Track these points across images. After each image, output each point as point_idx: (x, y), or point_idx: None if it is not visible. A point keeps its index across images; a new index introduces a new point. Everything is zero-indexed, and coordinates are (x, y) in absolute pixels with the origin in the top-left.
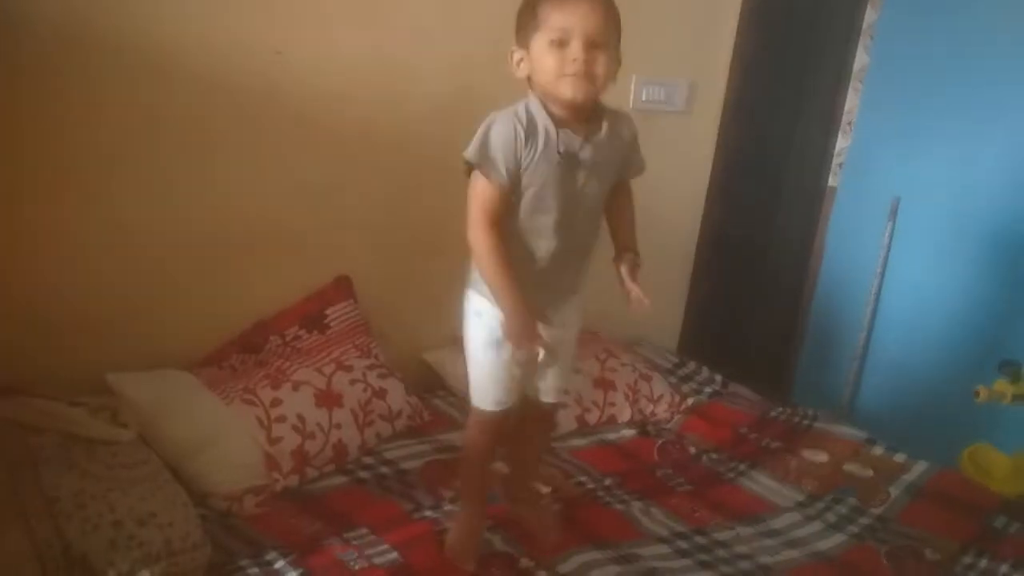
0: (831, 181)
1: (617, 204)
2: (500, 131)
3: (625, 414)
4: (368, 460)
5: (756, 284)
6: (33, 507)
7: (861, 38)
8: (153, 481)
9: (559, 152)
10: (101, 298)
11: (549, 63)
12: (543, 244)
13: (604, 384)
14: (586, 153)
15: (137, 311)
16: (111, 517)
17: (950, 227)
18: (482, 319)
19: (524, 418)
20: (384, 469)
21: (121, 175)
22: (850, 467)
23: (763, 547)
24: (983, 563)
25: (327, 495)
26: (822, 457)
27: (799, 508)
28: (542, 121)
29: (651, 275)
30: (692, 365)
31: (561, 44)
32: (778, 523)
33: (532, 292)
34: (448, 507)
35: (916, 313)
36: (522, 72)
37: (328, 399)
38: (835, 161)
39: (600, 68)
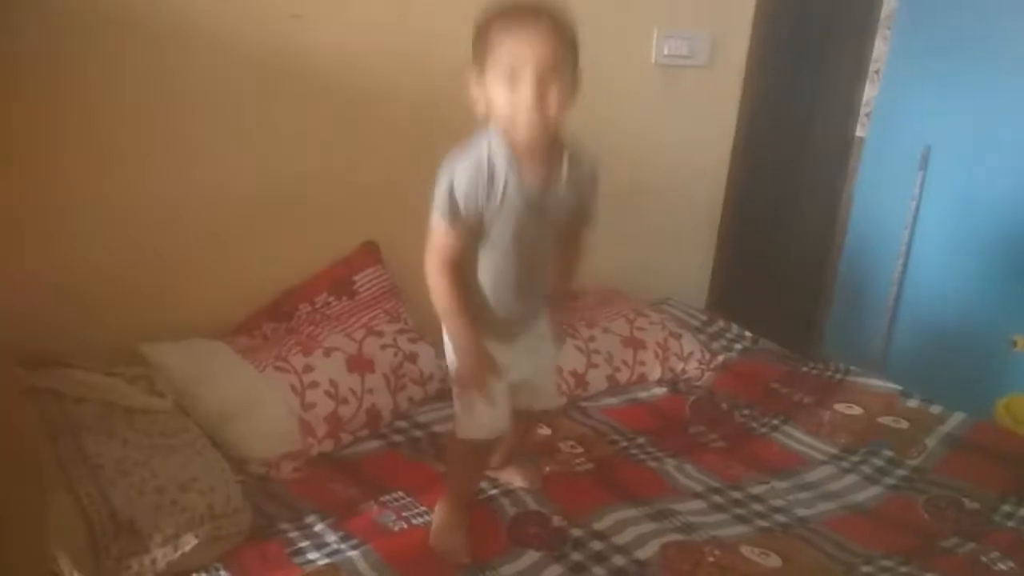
0: (859, 131)
1: (563, 250)
2: (462, 181)
3: (655, 372)
4: (401, 424)
5: (784, 239)
6: (78, 474)
7: None
8: (192, 448)
9: (520, 197)
10: (132, 270)
11: (501, 99)
12: (502, 277)
13: (634, 343)
14: (546, 198)
15: (167, 282)
16: (154, 483)
17: (981, 177)
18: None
19: (517, 424)
20: (417, 432)
21: (147, 146)
22: (884, 420)
23: (799, 500)
24: (1022, 511)
25: (362, 459)
26: (856, 410)
27: (834, 461)
28: (502, 164)
29: (677, 233)
30: (721, 322)
31: (512, 79)
32: (813, 476)
33: (497, 323)
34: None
35: (947, 264)
36: (479, 103)
37: (360, 364)
38: (863, 111)
39: (552, 107)
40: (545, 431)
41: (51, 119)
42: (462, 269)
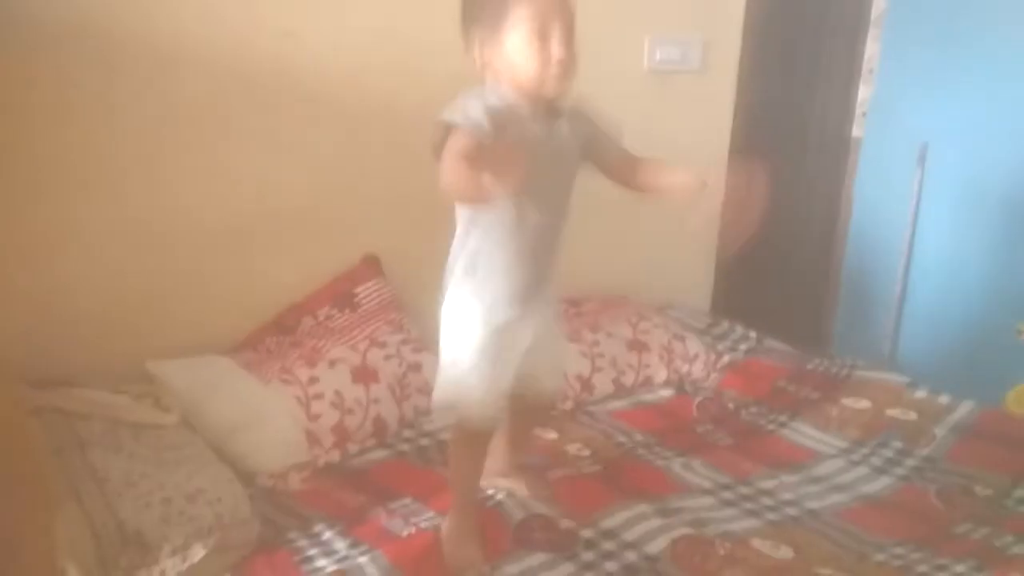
0: (855, 131)
1: (641, 168)
2: (475, 104)
3: (661, 375)
4: (408, 433)
5: (786, 242)
6: (85, 488)
7: None
8: (199, 461)
9: (526, 142)
10: (135, 290)
11: (530, 59)
12: (520, 234)
13: (638, 346)
14: (550, 147)
15: (171, 300)
16: (161, 494)
17: (981, 170)
18: (466, 322)
19: (515, 414)
20: (424, 441)
21: (144, 166)
22: (893, 412)
23: (809, 493)
24: None
25: (369, 469)
26: (864, 404)
27: (843, 454)
28: (506, 113)
29: (677, 238)
30: (726, 324)
31: (541, 35)
32: (822, 470)
33: (511, 277)
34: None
35: (951, 259)
36: (492, 70)
37: (364, 375)
38: (858, 111)
39: (575, 63)
40: (551, 435)
41: (55, 140)
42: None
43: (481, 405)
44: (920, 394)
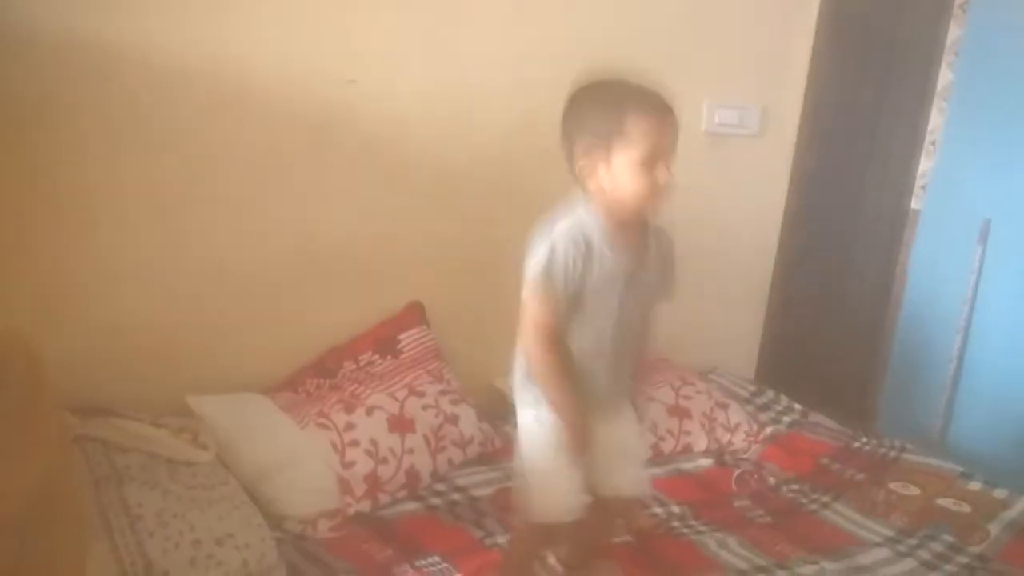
0: (914, 203)
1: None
2: (561, 255)
3: (701, 443)
4: (440, 487)
5: (836, 311)
6: (118, 523)
7: (945, 55)
8: (230, 502)
9: (616, 271)
10: (182, 325)
11: (639, 184)
12: (596, 353)
13: (679, 412)
14: (638, 272)
15: (217, 337)
16: (191, 536)
17: None
18: (544, 427)
19: (595, 516)
20: (456, 496)
21: (199, 203)
22: (944, 502)
23: None
24: None
25: (399, 521)
26: (912, 491)
27: (889, 544)
28: (598, 238)
29: (726, 301)
30: (770, 394)
31: (650, 165)
32: (866, 559)
33: (588, 400)
34: None
35: (1011, 341)
36: (595, 182)
37: (401, 424)
38: (918, 183)
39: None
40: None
41: (112, 176)
42: (563, 343)
43: (552, 509)
44: (974, 485)
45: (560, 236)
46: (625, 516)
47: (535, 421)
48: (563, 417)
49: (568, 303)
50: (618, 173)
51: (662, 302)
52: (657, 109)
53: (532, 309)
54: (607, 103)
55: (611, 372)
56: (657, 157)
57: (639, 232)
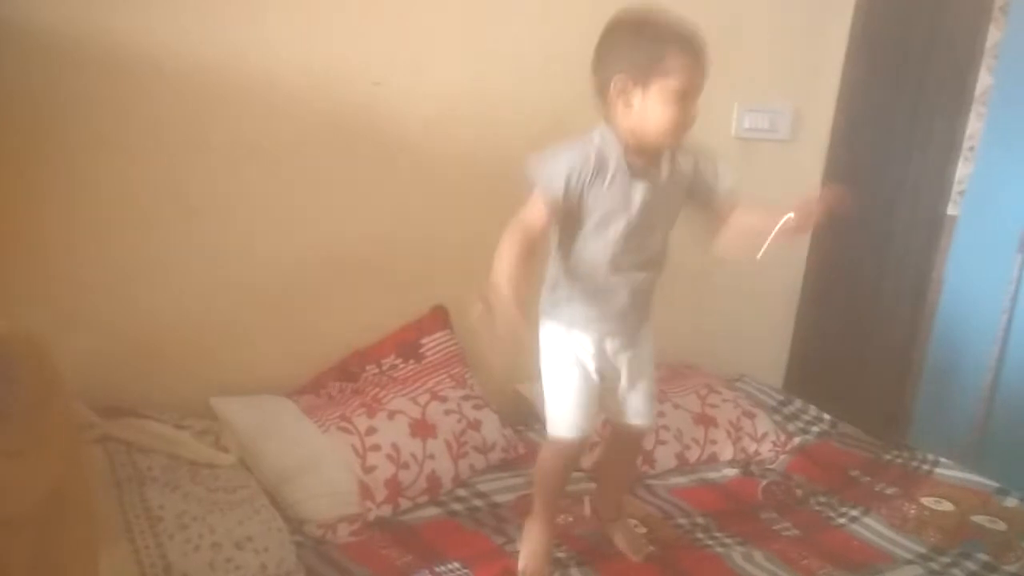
0: (951, 210)
1: (740, 218)
2: (566, 161)
3: (727, 452)
4: (461, 492)
5: (868, 319)
6: (138, 525)
7: (984, 59)
8: (251, 505)
9: (629, 186)
10: (206, 326)
11: (668, 115)
12: (609, 268)
13: (705, 420)
14: (653, 196)
15: (240, 339)
16: (211, 539)
17: None
18: (557, 343)
19: (613, 442)
20: (477, 502)
21: (223, 205)
22: (978, 518)
23: None
24: None
25: (420, 526)
26: (946, 506)
27: (921, 561)
28: (614, 156)
29: (755, 308)
30: (798, 403)
31: (679, 99)
32: None
33: (603, 314)
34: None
35: None
36: (622, 104)
37: (423, 429)
38: (955, 189)
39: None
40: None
41: (139, 175)
42: (536, 245)
43: (566, 424)
44: (1011, 502)
45: (568, 147)
46: (635, 447)
47: (549, 338)
48: (499, 292)
49: (566, 209)
50: (651, 103)
51: (729, 207)
52: (694, 47)
53: (525, 207)
54: (648, 36)
55: (630, 291)
56: (689, 92)
57: (655, 159)
